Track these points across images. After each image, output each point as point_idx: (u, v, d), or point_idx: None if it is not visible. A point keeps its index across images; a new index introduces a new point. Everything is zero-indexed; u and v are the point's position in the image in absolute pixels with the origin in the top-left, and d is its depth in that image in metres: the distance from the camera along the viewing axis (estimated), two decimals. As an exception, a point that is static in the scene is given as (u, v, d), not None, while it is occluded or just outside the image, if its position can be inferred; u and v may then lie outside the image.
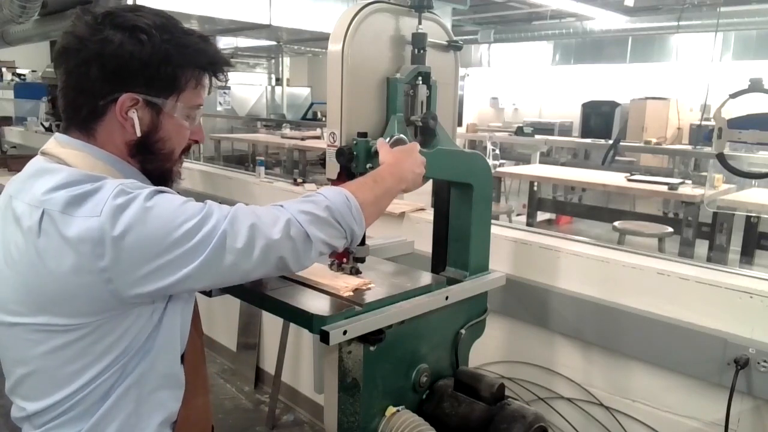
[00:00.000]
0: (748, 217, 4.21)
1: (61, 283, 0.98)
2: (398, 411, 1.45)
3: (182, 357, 1.16)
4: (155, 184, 1.10)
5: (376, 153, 1.42)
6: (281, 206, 1.12)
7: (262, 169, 3.47)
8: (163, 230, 0.97)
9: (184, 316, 1.15)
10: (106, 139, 1.09)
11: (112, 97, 1.05)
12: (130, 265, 0.96)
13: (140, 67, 1.05)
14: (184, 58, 1.09)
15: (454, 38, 1.66)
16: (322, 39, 6.57)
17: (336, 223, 1.13)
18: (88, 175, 1.01)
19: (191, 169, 3.78)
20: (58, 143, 1.09)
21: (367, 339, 1.34)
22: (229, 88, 10.65)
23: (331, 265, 1.58)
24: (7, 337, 1.07)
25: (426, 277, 1.64)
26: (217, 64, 1.15)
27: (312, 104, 12.59)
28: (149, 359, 1.08)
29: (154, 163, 1.13)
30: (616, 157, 7.94)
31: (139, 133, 1.08)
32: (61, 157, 1.06)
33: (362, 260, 1.55)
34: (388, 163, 1.34)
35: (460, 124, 10.14)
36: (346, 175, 1.46)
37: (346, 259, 1.55)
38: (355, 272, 1.54)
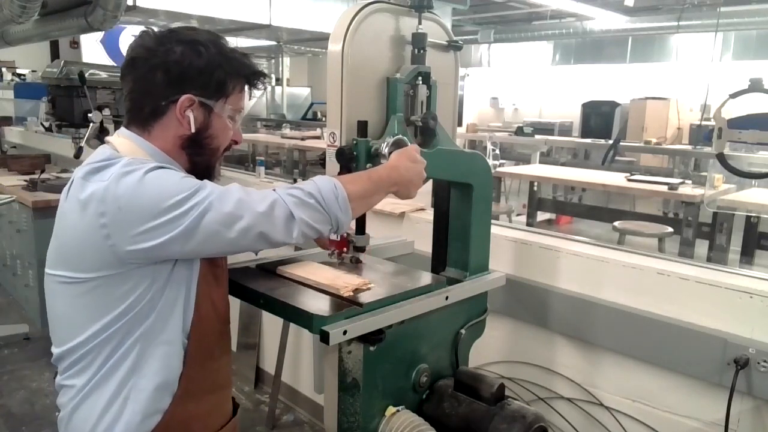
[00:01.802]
0: (748, 217, 4.21)
1: (75, 241, 1.16)
2: (398, 411, 1.45)
3: (190, 335, 1.25)
4: (199, 178, 1.23)
5: (377, 152, 1.42)
6: (273, 190, 1.23)
7: (262, 169, 3.47)
8: (158, 196, 1.12)
9: (188, 295, 1.24)
10: (160, 134, 1.26)
11: (173, 98, 1.24)
12: (125, 224, 1.11)
13: (197, 73, 1.24)
14: (232, 68, 1.28)
15: (454, 38, 1.66)
16: (322, 39, 6.56)
17: (321, 208, 1.24)
18: (117, 156, 1.19)
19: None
20: (118, 134, 1.29)
21: (367, 339, 1.35)
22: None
23: (331, 254, 1.59)
24: (47, 286, 1.26)
25: (426, 277, 1.64)
26: (256, 75, 1.34)
27: (312, 104, 12.56)
28: (150, 323, 1.19)
29: (203, 156, 1.31)
30: (616, 157, 7.93)
31: (193, 129, 1.26)
32: (115, 145, 1.25)
33: (362, 249, 1.55)
34: (390, 165, 1.39)
35: (460, 124, 10.13)
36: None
37: (346, 248, 1.56)
38: (356, 261, 1.55)
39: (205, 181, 1.19)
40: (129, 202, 1.10)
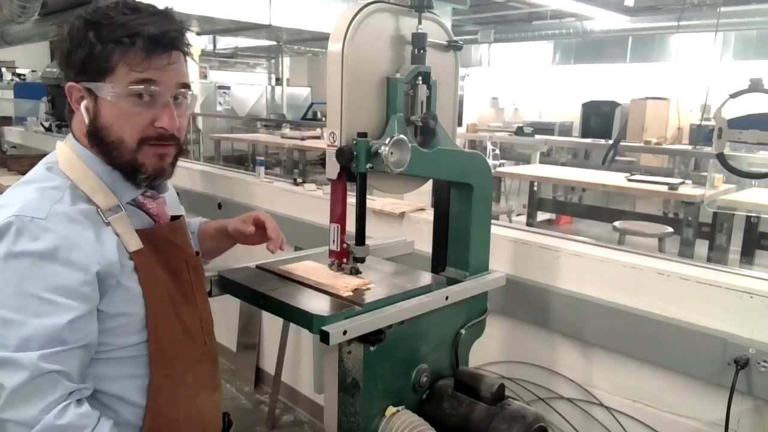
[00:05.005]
0: (748, 217, 4.21)
1: None
2: (398, 411, 1.45)
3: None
4: (126, 176, 1.10)
5: (376, 152, 1.42)
6: None
7: (262, 169, 3.46)
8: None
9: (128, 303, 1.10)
10: (76, 131, 1.13)
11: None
12: None
13: (68, 54, 1.06)
14: (103, 37, 1.02)
15: (454, 38, 1.66)
16: (322, 39, 6.57)
17: None
18: (46, 175, 1.08)
19: (191, 169, 3.78)
20: (67, 137, 1.16)
21: (367, 339, 1.34)
22: (228, 87, 10.65)
23: (331, 266, 1.58)
24: None
25: (426, 277, 1.64)
26: (138, 36, 1.02)
27: (312, 104, 12.58)
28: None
29: (110, 153, 1.09)
30: (616, 157, 7.93)
31: (86, 121, 1.08)
32: (58, 151, 1.13)
33: (362, 260, 1.55)
34: None
35: (460, 124, 10.11)
36: (346, 175, 1.46)
37: (346, 259, 1.55)
38: (355, 272, 1.54)
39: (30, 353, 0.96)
40: None
